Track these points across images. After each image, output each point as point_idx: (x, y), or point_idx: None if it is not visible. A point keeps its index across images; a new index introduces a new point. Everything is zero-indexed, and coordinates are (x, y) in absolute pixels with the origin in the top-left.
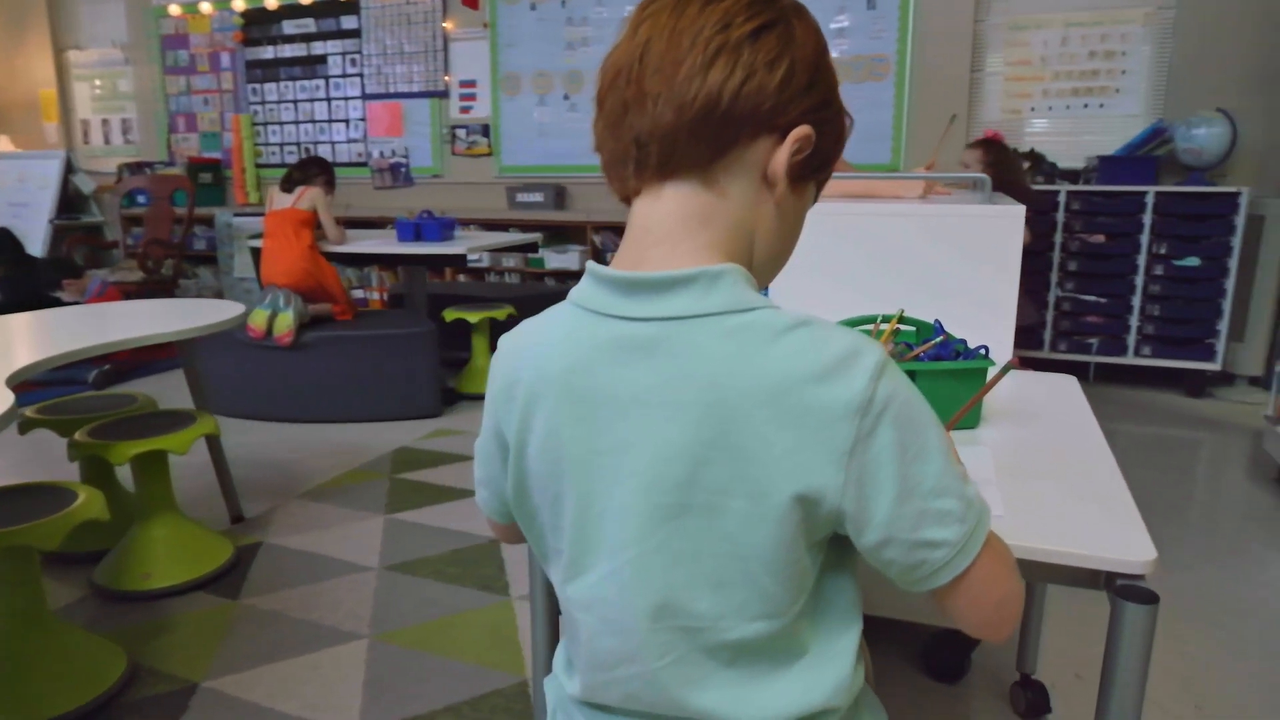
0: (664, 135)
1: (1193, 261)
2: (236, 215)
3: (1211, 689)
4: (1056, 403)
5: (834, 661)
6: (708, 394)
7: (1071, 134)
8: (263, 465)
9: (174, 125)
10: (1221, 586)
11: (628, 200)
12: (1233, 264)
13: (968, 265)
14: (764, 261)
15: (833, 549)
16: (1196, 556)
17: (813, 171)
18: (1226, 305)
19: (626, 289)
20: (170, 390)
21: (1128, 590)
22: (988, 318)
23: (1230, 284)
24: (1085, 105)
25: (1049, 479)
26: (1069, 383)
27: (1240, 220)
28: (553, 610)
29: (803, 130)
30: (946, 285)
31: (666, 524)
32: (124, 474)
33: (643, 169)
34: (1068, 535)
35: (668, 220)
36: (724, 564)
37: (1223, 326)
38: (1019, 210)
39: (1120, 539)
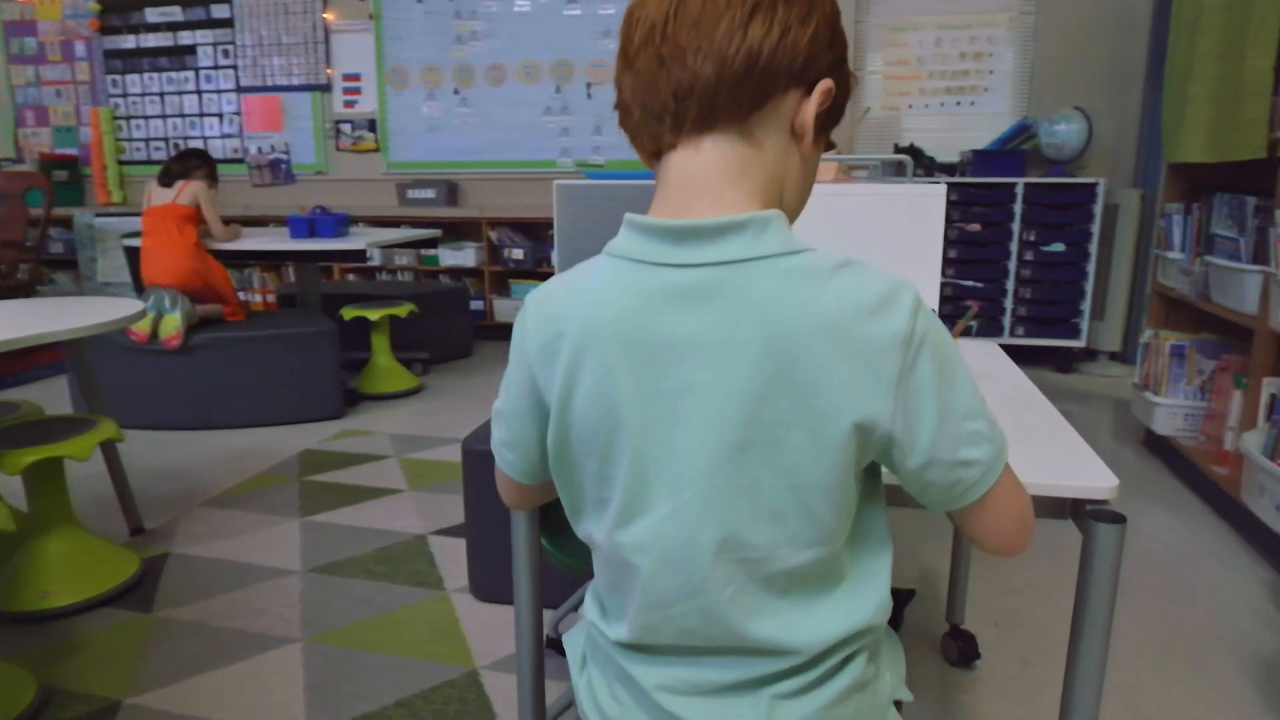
0: (704, 90)
1: (1058, 247)
2: (99, 215)
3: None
4: (990, 362)
5: (873, 583)
6: (768, 333)
7: (947, 130)
8: (158, 475)
9: (21, 119)
10: None
11: (657, 155)
12: (1093, 249)
13: (902, 234)
14: (790, 211)
15: (867, 478)
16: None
17: (830, 123)
18: (1089, 287)
19: (677, 237)
20: (49, 398)
21: (1098, 514)
22: (924, 277)
23: (1091, 267)
24: (958, 103)
25: (1006, 427)
26: (992, 346)
27: (1098, 208)
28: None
29: (827, 83)
30: (888, 251)
31: (729, 460)
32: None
33: (680, 123)
34: (1035, 472)
35: (709, 172)
36: (782, 495)
37: (1085, 306)
38: (940, 188)
39: (1083, 471)
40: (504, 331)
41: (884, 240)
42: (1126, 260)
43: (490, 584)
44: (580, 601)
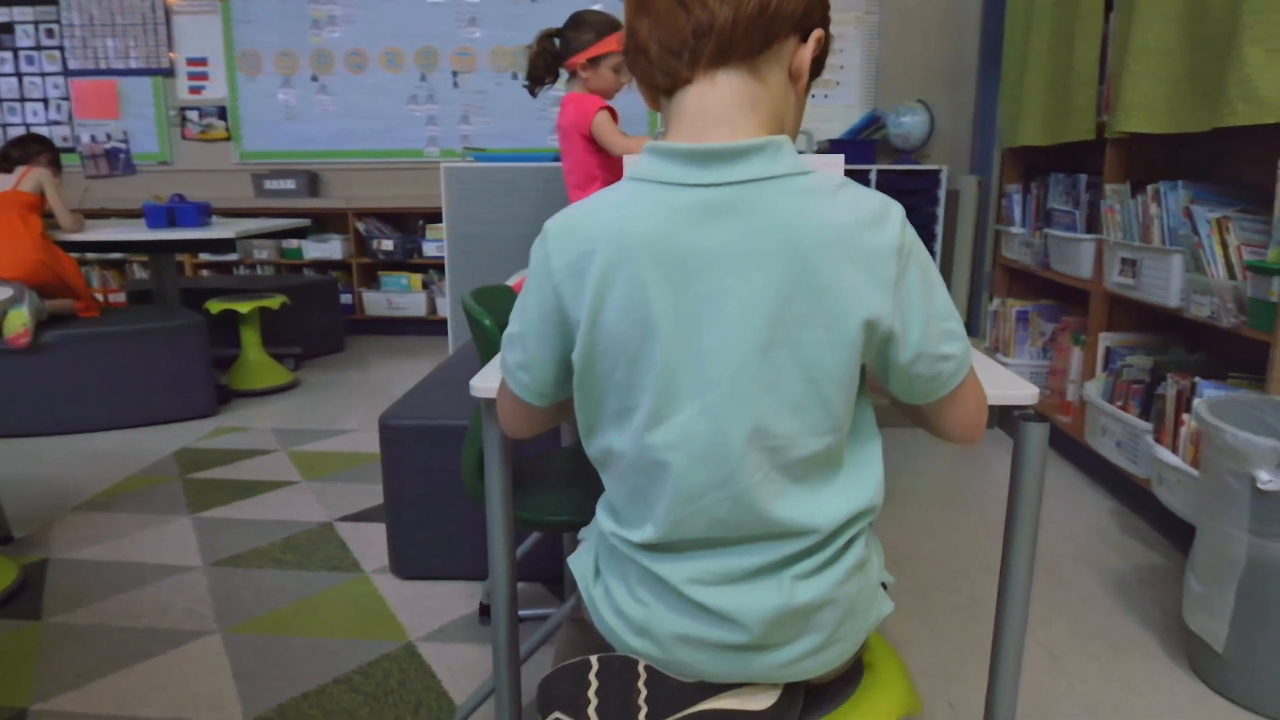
0: (721, 29)
1: None
2: None
3: (966, 556)
4: None
5: (870, 468)
6: (787, 243)
7: (806, 122)
8: (18, 483)
9: None
10: (968, 484)
11: (669, 92)
12: (939, 230)
13: None
14: None
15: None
16: (944, 466)
17: (816, 71)
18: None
19: (702, 160)
20: None
21: (1026, 416)
22: None
23: (938, 248)
24: (813, 96)
25: None
26: None
27: (942, 194)
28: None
29: (819, 33)
30: None
31: (755, 358)
32: None
33: (698, 59)
34: None
35: (724, 103)
36: (801, 389)
37: None
38: (839, 158)
39: (1007, 383)
40: (376, 325)
41: None
42: (967, 241)
43: (413, 561)
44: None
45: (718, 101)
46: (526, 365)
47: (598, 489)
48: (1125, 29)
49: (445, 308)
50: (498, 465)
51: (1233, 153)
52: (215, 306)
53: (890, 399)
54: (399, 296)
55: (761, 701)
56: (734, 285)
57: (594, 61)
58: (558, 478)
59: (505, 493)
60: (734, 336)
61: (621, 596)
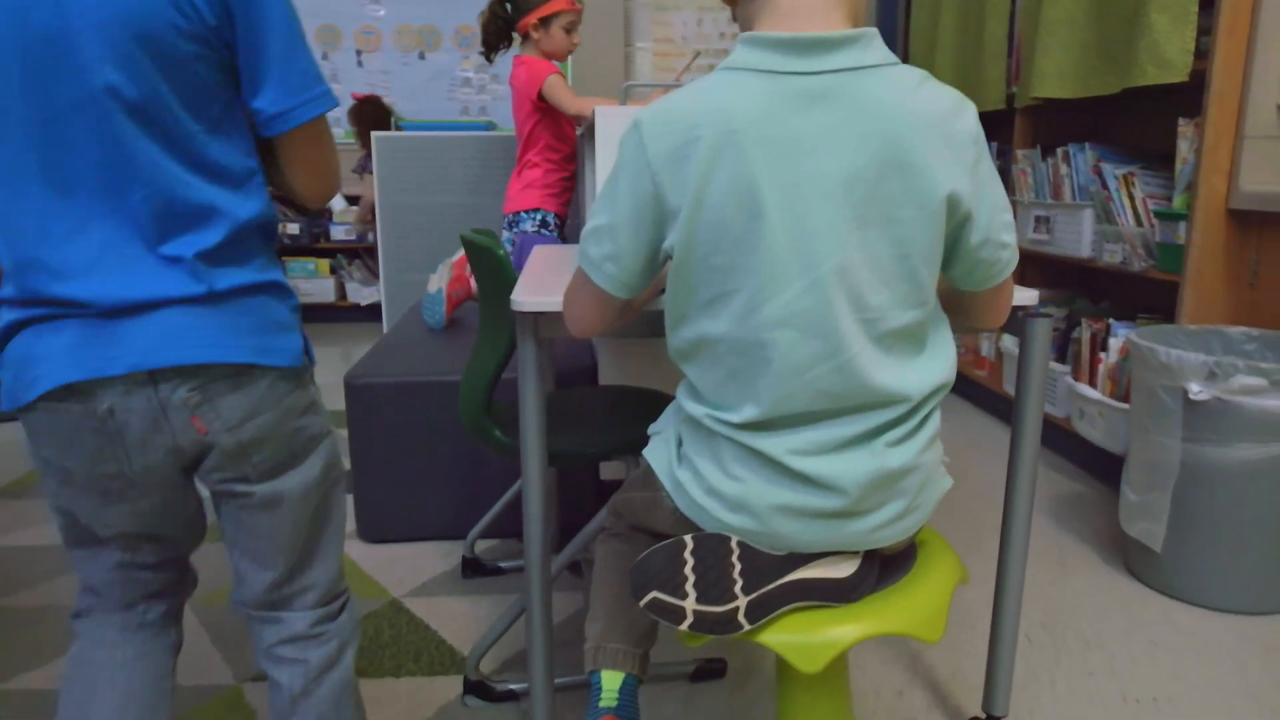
0: None
1: None
2: None
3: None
4: None
5: (944, 347)
6: (882, 127)
7: None
8: None
9: None
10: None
11: None
12: None
13: None
14: None
15: None
16: None
17: None
18: None
19: (801, 49)
20: None
21: (1031, 314)
22: None
23: None
24: None
25: None
26: None
27: None
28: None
29: None
30: None
31: (855, 235)
32: None
33: None
34: None
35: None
36: (893, 264)
37: None
38: None
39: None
40: None
41: None
42: None
43: (381, 525)
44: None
45: None
46: (615, 257)
47: (621, 421)
48: (1035, 4)
49: (355, 293)
50: (534, 379)
51: (1132, 119)
52: None
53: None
54: (305, 282)
55: (844, 570)
56: (834, 166)
57: (545, 22)
58: (574, 415)
59: (540, 407)
60: (835, 215)
61: (714, 476)
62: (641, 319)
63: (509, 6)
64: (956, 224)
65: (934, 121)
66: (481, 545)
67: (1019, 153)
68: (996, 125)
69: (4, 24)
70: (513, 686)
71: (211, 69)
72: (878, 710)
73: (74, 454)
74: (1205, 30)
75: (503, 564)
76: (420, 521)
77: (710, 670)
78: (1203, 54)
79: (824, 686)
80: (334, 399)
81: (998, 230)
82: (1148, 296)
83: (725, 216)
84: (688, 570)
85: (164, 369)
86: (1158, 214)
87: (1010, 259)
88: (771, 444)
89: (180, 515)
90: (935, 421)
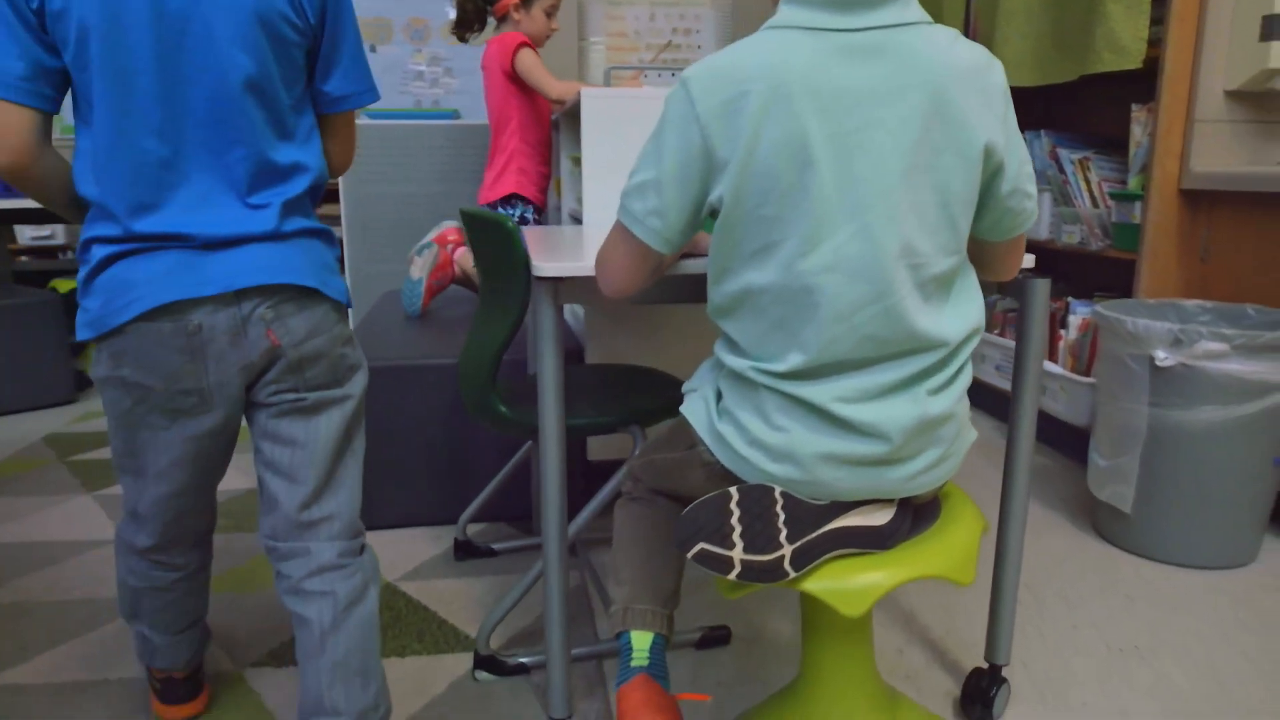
0: None
1: None
2: None
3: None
4: None
5: (974, 292)
6: (925, 79)
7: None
8: None
9: None
10: None
11: None
12: None
13: None
14: None
15: None
16: None
17: None
18: None
19: (845, 7)
20: None
21: (1030, 274)
22: None
23: None
24: (673, 74)
25: None
26: None
27: None
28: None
29: None
30: None
31: (902, 182)
32: None
33: None
34: None
35: None
36: (935, 211)
37: None
38: None
39: None
40: None
41: None
42: None
43: (367, 511)
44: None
45: None
46: (661, 211)
47: (620, 395)
48: None
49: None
50: (552, 347)
51: (1085, 106)
52: (64, 285)
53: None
54: None
55: (881, 518)
56: (882, 117)
57: (527, 2)
58: (573, 391)
59: (558, 375)
60: (882, 163)
61: (757, 428)
62: (682, 283)
63: None
64: (990, 173)
65: (970, 75)
66: (472, 529)
67: None
68: None
69: (142, 4)
70: (523, 660)
71: (303, 55)
72: (881, 667)
73: (157, 372)
74: (1157, 20)
75: (495, 546)
76: (407, 507)
77: (715, 637)
78: (1155, 42)
79: (850, 636)
80: None
81: (1024, 180)
82: (1104, 275)
83: (776, 168)
84: (734, 521)
85: (248, 289)
86: (1113, 195)
87: (1033, 210)
88: (816, 392)
89: (228, 442)
90: (969, 372)
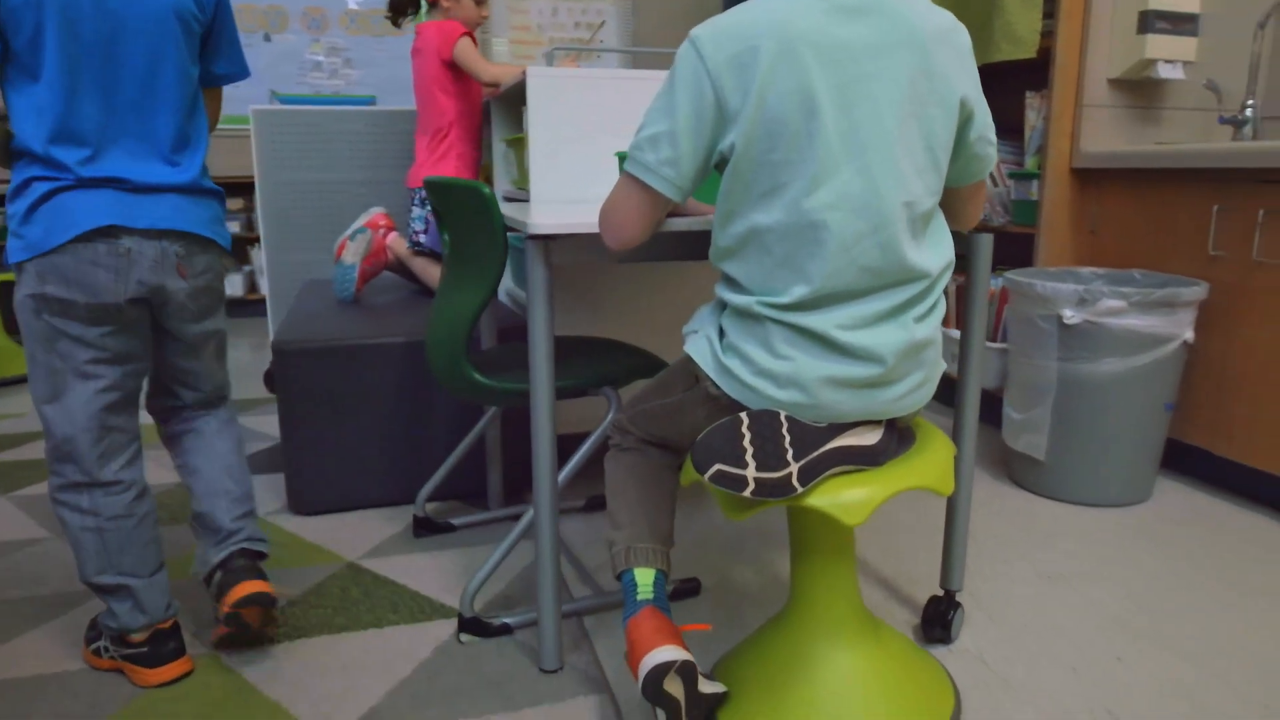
0: None
1: None
2: None
3: None
4: None
5: (948, 233)
6: (911, 38)
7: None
8: None
9: None
10: None
11: None
12: None
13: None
14: None
15: None
16: None
17: None
18: None
19: None
20: None
21: (978, 229)
22: None
23: None
24: (579, 69)
25: None
26: None
27: None
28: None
29: None
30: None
31: (896, 128)
32: None
33: None
34: None
35: None
36: (923, 155)
37: None
38: None
39: None
40: None
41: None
42: None
43: (315, 495)
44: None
45: None
46: (674, 161)
47: (588, 361)
48: None
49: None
50: (543, 304)
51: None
52: None
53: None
54: None
55: (872, 438)
56: (876, 69)
57: None
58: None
59: (549, 332)
60: (878, 111)
61: (762, 358)
62: (677, 240)
63: None
64: (963, 122)
65: (945, 35)
66: (428, 507)
67: None
68: None
69: (88, 3)
70: (507, 620)
71: (200, 42)
72: None
73: (83, 286)
74: (1049, 14)
75: (454, 521)
76: (354, 490)
77: (688, 589)
78: (1047, 34)
79: (836, 558)
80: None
81: (987, 129)
82: (1006, 249)
83: (785, 116)
84: (745, 443)
85: (169, 230)
86: (1012, 175)
87: (993, 155)
88: (818, 320)
89: (142, 347)
90: (944, 304)
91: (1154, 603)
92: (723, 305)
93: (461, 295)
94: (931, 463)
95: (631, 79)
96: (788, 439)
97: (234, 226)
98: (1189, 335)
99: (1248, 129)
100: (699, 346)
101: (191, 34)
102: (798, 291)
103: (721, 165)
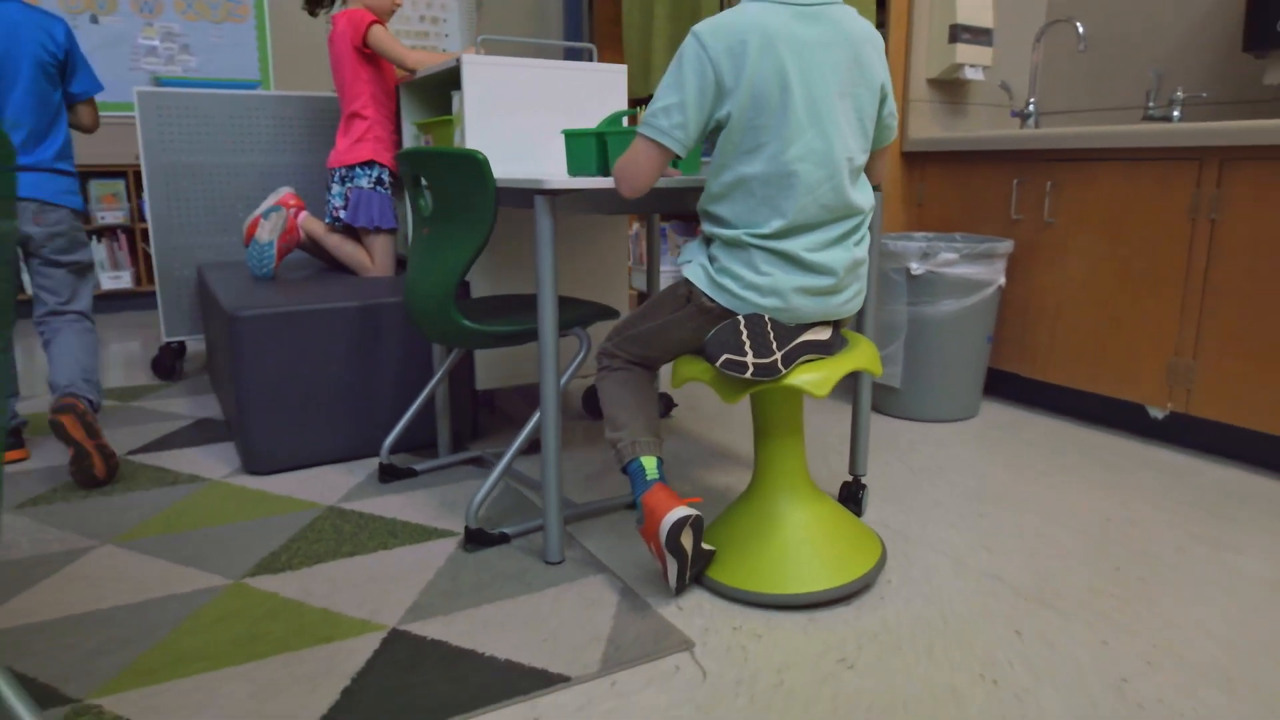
0: None
1: None
2: None
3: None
4: None
5: (868, 181)
6: (849, 38)
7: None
8: None
9: None
10: None
11: None
12: None
13: (595, 100)
14: None
15: None
16: None
17: None
18: None
19: None
20: None
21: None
22: None
23: None
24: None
25: None
26: None
27: None
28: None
29: None
30: (585, 109)
31: (840, 101)
32: None
33: None
34: None
35: None
36: (857, 124)
37: None
38: (621, 67)
39: None
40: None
41: (582, 102)
42: None
43: (270, 456)
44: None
45: None
46: (684, 125)
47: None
48: None
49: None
50: (549, 251)
51: None
52: None
53: None
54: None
55: (826, 334)
56: (826, 59)
57: None
58: (498, 311)
59: (554, 276)
60: (828, 89)
61: (749, 275)
62: (666, 195)
63: None
64: (880, 101)
65: (869, 38)
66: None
67: None
68: None
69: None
70: (505, 530)
71: (59, 72)
72: None
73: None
74: (881, 23)
75: (416, 466)
76: (310, 448)
77: None
78: None
79: (790, 438)
80: (207, 408)
81: (893, 107)
82: None
83: (766, 91)
84: (744, 338)
85: (35, 197)
86: None
87: (895, 128)
88: (791, 245)
89: (14, 270)
90: (869, 235)
91: (995, 482)
92: (708, 240)
93: (450, 250)
94: (864, 354)
95: (547, 68)
96: (772, 334)
97: (120, 215)
98: (1002, 280)
99: (1031, 120)
100: (695, 272)
101: (49, 73)
102: (775, 224)
103: (715, 130)
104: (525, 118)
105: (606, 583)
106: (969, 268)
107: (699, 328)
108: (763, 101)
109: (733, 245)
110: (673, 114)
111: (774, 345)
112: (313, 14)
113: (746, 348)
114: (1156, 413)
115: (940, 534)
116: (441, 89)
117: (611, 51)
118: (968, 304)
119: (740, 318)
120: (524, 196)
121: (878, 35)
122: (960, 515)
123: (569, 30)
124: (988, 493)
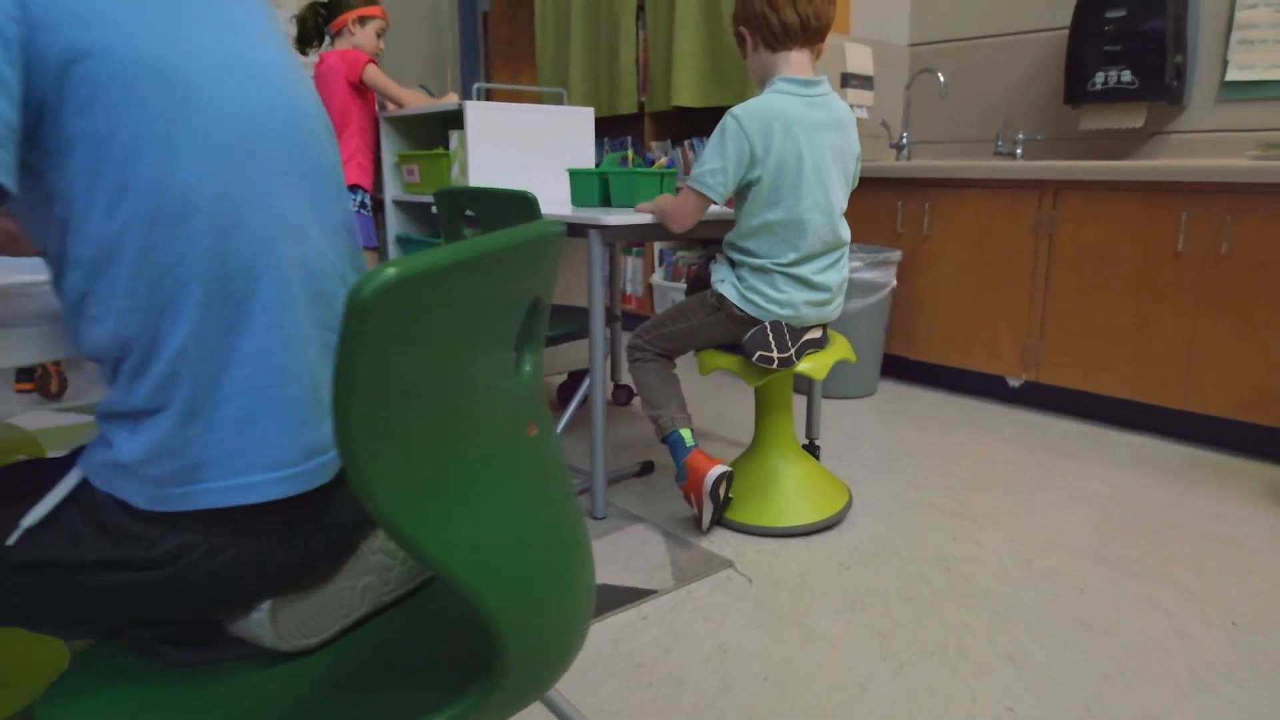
0: (827, 24)
1: None
2: None
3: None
4: None
5: (844, 221)
6: (839, 120)
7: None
8: None
9: None
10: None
11: (773, 48)
12: None
13: (568, 138)
14: None
15: None
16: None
17: None
18: None
19: (807, 84)
20: None
21: None
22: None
23: None
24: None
25: None
26: None
27: None
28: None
29: None
30: (562, 144)
31: (834, 167)
32: None
33: (809, 36)
34: None
35: (808, 62)
36: (843, 184)
37: None
38: (588, 110)
39: None
40: None
41: (562, 142)
42: None
43: None
44: None
45: (807, 62)
46: (724, 183)
47: (572, 316)
48: (663, 41)
49: None
50: (600, 271)
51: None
52: None
53: None
54: None
55: (819, 334)
56: (825, 138)
57: (363, 21)
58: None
59: (603, 279)
60: (828, 160)
61: (771, 292)
62: (701, 228)
63: (327, 5)
64: (855, 166)
65: (850, 118)
66: None
67: (653, 144)
68: (631, 125)
69: None
70: None
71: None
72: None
73: None
74: None
75: None
76: None
77: (647, 468)
78: None
79: (783, 411)
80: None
81: (858, 165)
82: None
83: (787, 161)
84: (770, 339)
85: None
86: None
87: (859, 175)
88: (803, 270)
89: None
90: (849, 263)
91: (905, 440)
92: (733, 264)
93: None
94: (844, 347)
95: (532, 111)
96: (788, 336)
97: None
98: (894, 283)
99: (905, 151)
100: (728, 289)
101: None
102: (791, 255)
103: (745, 188)
104: (516, 153)
105: (648, 528)
106: (871, 272)
107: (728, 330)
108: (784, 169)
109: (759, 270)
110: (717, 175)
111: (789, 343)
112: (304, 53)
113: (773, 346)
114: (1014, 382)
115: (878, 479)
116: (426, 125)
117: (507, 70)
118: (870, 301)
119: (766, 324)
120: (575, 229)
121: (852, 116)
122: (888, 465)
123: (465, 47)
124: (902, 448)
